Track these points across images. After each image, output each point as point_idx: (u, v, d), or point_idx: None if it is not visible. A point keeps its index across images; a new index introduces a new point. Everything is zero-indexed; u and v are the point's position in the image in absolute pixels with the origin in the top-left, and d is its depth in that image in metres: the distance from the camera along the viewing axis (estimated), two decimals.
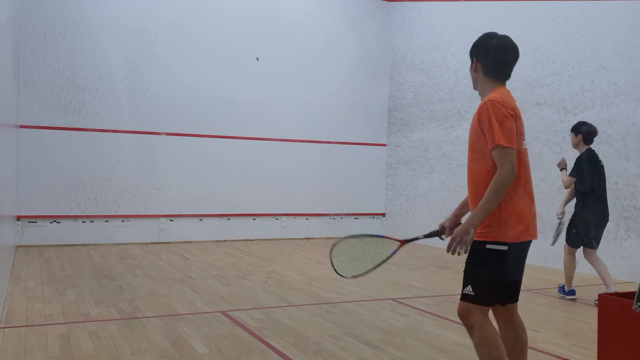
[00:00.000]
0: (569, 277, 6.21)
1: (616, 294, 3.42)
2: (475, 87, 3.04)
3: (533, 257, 9.03)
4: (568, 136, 8.26)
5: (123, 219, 10.05)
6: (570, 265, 6.19)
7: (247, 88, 11.04)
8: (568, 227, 6.14)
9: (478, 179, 2.86)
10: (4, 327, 4.46)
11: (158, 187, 10.30)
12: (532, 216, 2.89)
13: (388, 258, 3.07)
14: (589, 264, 6.12)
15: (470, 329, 2.84)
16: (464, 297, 2.89)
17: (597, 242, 6.06)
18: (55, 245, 9.39)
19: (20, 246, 9.17)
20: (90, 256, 8.41)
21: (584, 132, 6.02)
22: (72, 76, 9.73)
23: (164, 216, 10.34)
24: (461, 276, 3.01)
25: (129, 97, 10.16)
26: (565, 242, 6.20)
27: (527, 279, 7.20)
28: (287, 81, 11.45)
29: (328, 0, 11.98)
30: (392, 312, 5.30)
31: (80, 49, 9.81)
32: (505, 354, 2.84)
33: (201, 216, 10.67)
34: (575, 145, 6.13)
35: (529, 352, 4.18)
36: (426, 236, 3.15)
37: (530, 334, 4.65)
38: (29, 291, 5.85)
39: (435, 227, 3.20)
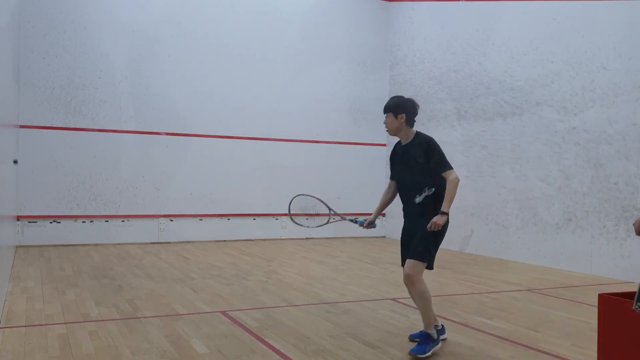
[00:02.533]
0: (431, 310, 4.09)
1: (616, 294, 3.42)
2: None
3: (533, 257, 8.98)
4: (568, 136, 8.30)
5: (123, 219, 10.05)
6: (429, 294, 4.09)
7: (247, 88, 11.04)
8: (426, 239, 4.03)
9: None
10: (4, 327, 4.46)
11: (158, 187, 10.30)
12: None
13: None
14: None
15: None
16: None
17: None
18: (55, 245, 9.39)
19: (20, 246, 9.17)
20: (90, 256, 8.41)
21: (410, 109, 4.16)
22: (72, 76, 9.74)
23: (164, 216, 10.34)
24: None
25: (129, 97, 10.16)
26: (416, 259, 4.02)
27: (527, 279, 7.23)
28: (287, 81, 11.45)
29: (328, 0, 11.98)
30: (392, 312, 5.30)
31: (80, 49, 9.81)
32: None
33: (201, 216, 10.67)
34: (396, 130, 4.18)
35: (530, 352, 4.19)
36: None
37: (530, 333, 4.66)
38: (28, 291, 5.85)
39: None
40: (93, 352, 3.88)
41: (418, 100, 4.38)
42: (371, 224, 4.43)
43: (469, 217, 9.89)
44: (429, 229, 3.98)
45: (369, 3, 12.36)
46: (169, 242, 10.22)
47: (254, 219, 11.16)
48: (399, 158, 4.29)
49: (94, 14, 9.93)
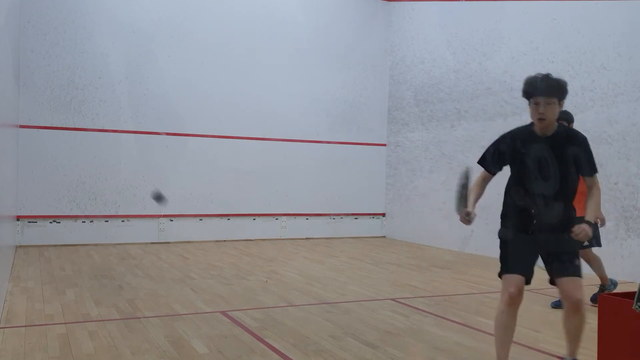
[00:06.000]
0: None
1: (616, 294, 3.43)
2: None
3: None
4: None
5: (123, 219, 10.05)
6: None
7: (247, 88, 11.04)
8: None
9: None
10: (4, 327, 4.46)
11: (158, 187, 10.29)
12: None
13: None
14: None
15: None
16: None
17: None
18: (55, 245, 9.39)
19: (20, 246, 9.17)
20: (90, 256, 8.41)
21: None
22: (72, 76, 9.73)
23: (164, 216, 10.34)
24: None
25: (129, 97, 10.16)
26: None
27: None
28: (287, 81, 11.45)
29: (328, 0, 11.98)
30: (392, 312, 5.30)
31: (80, 49, 9.81)
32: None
33: (201, 216, 10.67)
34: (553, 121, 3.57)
35: (530, 352, 4.19)
36: None
37: (530, 333, 4.66)
38: (28, 291, 5.85)
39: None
40: (93, 352, 3.88)
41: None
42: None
43: None
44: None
45: (369, 3, 12.36)
46: (168, 242, 10.22)
47: (254, 219, 11.16)
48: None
49: (94, 14, 9.93)
